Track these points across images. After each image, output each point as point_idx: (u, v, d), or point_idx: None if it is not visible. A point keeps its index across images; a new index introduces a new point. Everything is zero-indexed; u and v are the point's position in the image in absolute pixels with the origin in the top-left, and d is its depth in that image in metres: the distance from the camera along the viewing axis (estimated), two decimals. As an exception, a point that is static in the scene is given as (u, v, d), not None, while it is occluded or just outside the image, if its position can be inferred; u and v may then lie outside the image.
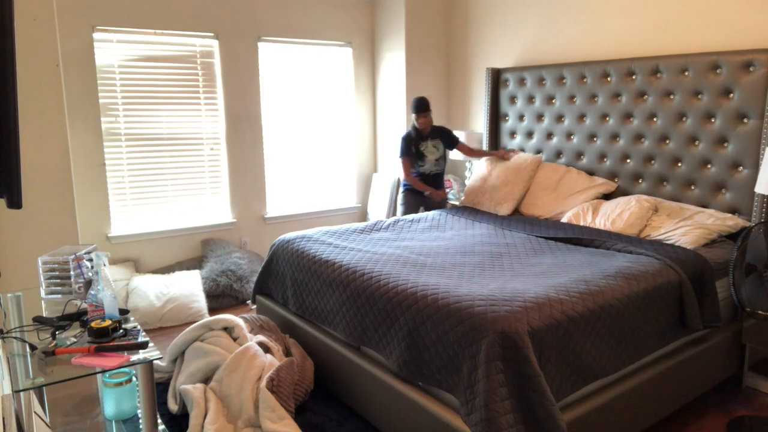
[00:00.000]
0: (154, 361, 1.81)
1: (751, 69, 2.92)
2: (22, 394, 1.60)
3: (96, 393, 2.57)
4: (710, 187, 3.16)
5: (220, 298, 4.09)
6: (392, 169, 5.06)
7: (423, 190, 4.13)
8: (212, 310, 4.01)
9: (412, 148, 4.07)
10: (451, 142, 4.19)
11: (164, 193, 4.22)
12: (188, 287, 3.94)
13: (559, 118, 3.96)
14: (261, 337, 2.82)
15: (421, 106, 3.98)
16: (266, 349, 2.74)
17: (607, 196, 3.59)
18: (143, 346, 1.82)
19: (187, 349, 2.74)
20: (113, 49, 3.89)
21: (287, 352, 2.84)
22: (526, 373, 1.86)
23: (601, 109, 3.68)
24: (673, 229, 2.95)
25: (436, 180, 4.18)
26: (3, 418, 1.24)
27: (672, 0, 3.33)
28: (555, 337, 1.98)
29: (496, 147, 4.47)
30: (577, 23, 3.87)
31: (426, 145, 4.08)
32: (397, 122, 4.93)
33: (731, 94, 3.03)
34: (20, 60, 2.95)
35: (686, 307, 2.48)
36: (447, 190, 4.87)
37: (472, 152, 4.25)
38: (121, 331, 1.92)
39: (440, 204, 4.28)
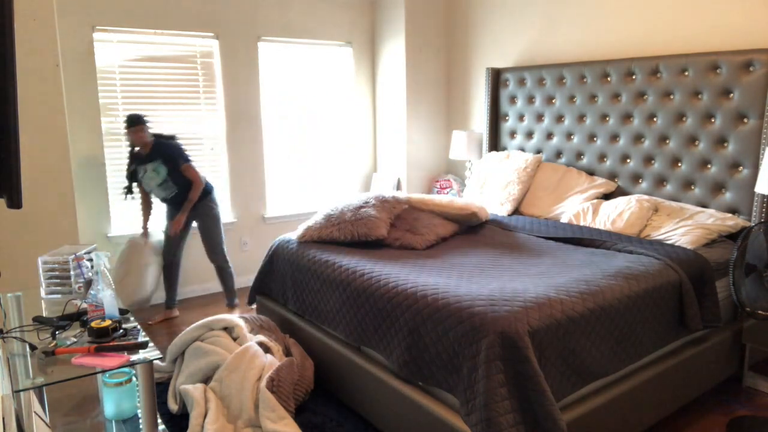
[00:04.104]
0: (154, 361, 1.81)
1: (751, 69, 2.92)
2: (22, 394, 1.61)
3: (96, 393, 2.57)
4: (710, 187, 3.16)
5: (220, 298, 4.10)
6: (392, 169, 5.06)
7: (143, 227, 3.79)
8: (212, 310, 4.01)
9: (128, 172, 3.65)
10: (174, 163, 3.61)
11: (164, 193, 4.21)
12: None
13: (559, 118, 3.96)
14: (261, 337, 2.82)
15: (131, 120, 3.52)
16: (266, 349, 2.74)
17: (607, 196, 3.59)
18: (143, 346, 1.82)
19: (187, 349, 2.74)
20: (113, 49, 3.89)
21: (287, 352, 2.84)
22: (526, 373, 1.86)
23: (601, 109, 3.68)
24: (673, 229, 2.95)
25: (173, 205, 3.75)
26: (3, 418, 1.24)
27: (672, 0, 3.33)
28: (555, 337, 1.98)
29: (496, 147, 4.47)
30: (577, 23, 3.87)
31: (144, 169, 3.62)
32: (397, 122, 4.93)
33: (731, 94, 3.03)
34: (20, 60, 2.96)
35: (686, 307, 2.49)
36: (446, 190, 4.85)
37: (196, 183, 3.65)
38: (121, 331, 1.92)
39: (176, 237, 3.76)
